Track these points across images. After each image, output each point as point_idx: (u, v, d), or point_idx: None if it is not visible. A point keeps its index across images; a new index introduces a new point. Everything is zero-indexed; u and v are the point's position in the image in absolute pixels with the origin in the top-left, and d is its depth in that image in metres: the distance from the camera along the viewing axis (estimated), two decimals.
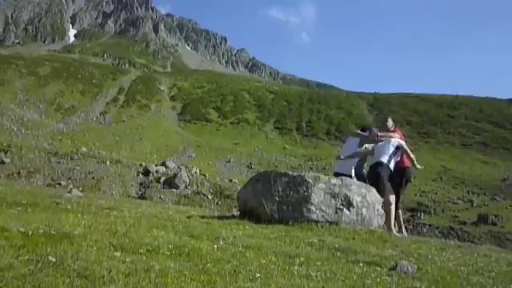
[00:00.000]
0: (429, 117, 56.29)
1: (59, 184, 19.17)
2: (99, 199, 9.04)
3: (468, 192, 30.31)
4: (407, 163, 7.15)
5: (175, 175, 20.91)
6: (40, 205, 6.18)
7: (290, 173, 6.34)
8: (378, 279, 3.22)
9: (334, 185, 6.05)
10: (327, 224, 5.70)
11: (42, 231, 3.69)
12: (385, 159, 6.87)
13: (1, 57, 73.38)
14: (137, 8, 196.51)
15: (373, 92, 74.23)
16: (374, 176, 6.83)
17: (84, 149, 31.13)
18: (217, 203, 19.71)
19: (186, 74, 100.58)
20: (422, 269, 3.74)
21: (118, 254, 3.19)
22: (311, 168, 37.29)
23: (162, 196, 19.20)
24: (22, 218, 4.46)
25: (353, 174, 7.06)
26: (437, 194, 28.93)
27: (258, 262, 3.38)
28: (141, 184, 20.90)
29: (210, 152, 43.68)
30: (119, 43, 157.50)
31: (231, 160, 40.89)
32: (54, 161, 23.19)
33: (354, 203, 5.96)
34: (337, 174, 6.96)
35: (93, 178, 20.82)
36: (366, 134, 7.44)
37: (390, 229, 6.52)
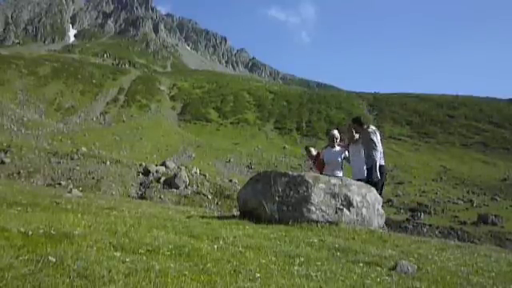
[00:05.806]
0: (429, 117, 56.29)
1: (59, 184, 19.14)
2: (99, 199, 9.04)
3: (468, 192, 30.30)
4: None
5: (175, 175, 20.88)
6: (40, 205, 6.18)
7: (290, 173, 6.33)
8: (378, 279, 3.21)
9: (334, 185, 6.05)
10: (327, 224, 5.69)
11: (41, 231, 3.69)
12: None
13: (1, 57, 73.33)
14: (137, 8, 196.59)
15: (373, 92, 74.29)
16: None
17: (84, 149, 31.10)
18: (217, 203, 19.68)
19: (185, 73, 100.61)
20: (422, 269, 3.74)
21: (118, 254, 3.19)
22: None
23: (162, 196, 19.17)
24: (22, 217, 4.46)
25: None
26: (437, 194, 28.95)
27: (258, 262, 3.38)
28: (141, 184, 20.87)
29: (209, 152, 43.68)
30: (119, 43, 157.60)
31: (231, 160, 40.89)
32: (53, 161, 23.16)
33: (354, 203, 5.96)
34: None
35: (93, 178, 20.79)
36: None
37: None
